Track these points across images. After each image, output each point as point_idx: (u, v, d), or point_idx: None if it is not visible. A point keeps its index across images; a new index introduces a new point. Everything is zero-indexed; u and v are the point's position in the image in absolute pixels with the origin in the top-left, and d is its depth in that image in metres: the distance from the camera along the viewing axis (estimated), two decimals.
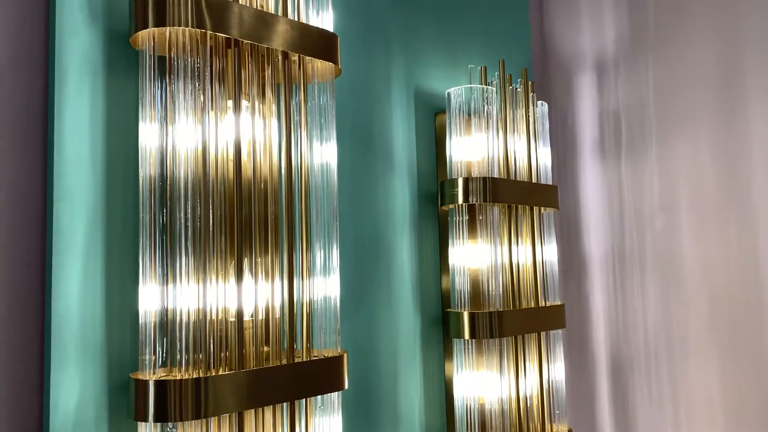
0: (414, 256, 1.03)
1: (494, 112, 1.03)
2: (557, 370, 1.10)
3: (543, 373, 1.06)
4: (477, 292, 1.01)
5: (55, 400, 0.64)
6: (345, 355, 0.77)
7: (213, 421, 0.66)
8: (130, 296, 0.70)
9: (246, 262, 0.70)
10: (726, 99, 1.13)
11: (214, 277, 0.67)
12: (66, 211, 0.67)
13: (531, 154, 1.09)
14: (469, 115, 1.03)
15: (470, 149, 1.03)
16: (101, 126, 0.70)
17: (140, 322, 0.67)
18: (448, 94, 1.04)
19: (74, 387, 0.66)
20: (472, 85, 1.03)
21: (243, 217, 0.70)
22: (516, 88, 1.08)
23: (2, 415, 0.65)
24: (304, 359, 0.73)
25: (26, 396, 0.66)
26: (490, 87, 1.04)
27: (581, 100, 1.34)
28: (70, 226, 0.67)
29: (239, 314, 0.69)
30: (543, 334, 1.07)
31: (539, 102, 1.13)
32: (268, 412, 0.70)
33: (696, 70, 1.17)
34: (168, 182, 0.67)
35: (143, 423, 0.65)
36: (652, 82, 1.23)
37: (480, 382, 0.99)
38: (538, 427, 1.04)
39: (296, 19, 0.77)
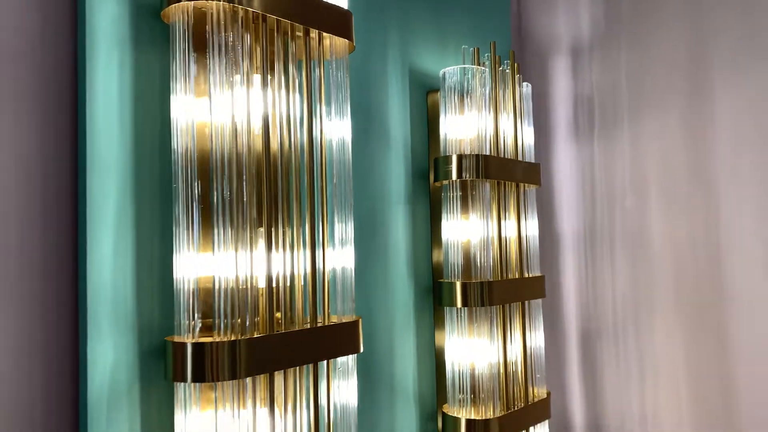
0: (408, 230, 1.07)
1: (486, 92, 1.08)
2: (538, 338, 1.17)
3: (526, 339, 1.13)
4: (468, 264, 1.07)
5: (92, 366, 0.66)
6: (360, 320, 0.82)
7: (248, 381, 0.69)
8: (159, 265, 0.72)
9: (273, 232, 0.73)
10: (694, 83, 1.22)
11: (247, 246, 0.70)
12: (97, 181, 0.68)
13: (517, 133, 1.15)
14: (462, 94, 1.08)
15: (463, 128, 1.08)
16: (129, 98, 0.71)
17: (176, 288, 0.69)
18: (443, 73, 1.09)
19: (108, 352, 0.68)
20: (466, 66, 1.08)
21: (271, 190, 0.73)
22: (504, 70, 1.14)
23: (40, 383, 0.66)
24: (326, 324, 0.77)
25: (63, 363, 0.68)
26: (482, 68, 1.09)
27: (557, 82, 1.41)
28: (102, 196, 0.68)
29: (269, 281, 0.72)
30: (526, 303, 1.14)
31: (524, 83, 1.19)
32: (294, 373, 0.74)
33: (666, 55, 1.25)
34: (202, 154, 0.69)
35: (181, 383, 0.68)
36: (625, 67, 1.31)
37: (471, 348, 1.05)
38: (522, 390, 1.12)
39: None
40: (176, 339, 0.68)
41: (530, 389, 1.13)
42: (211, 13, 0.69)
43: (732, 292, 1.16)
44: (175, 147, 0.70)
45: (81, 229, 0.68)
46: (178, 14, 0.69)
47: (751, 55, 1.15)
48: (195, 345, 0.66)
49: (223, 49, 0.69)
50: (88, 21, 0.68)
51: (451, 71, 1.08)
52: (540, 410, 1.13)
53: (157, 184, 0.73)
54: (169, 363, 0.68)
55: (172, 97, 0.71)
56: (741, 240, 1.15)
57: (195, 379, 0.66)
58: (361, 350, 0.82)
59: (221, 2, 0.69)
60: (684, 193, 1.22)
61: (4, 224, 0.65)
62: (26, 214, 0.66)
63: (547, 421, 1.17)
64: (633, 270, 1.28)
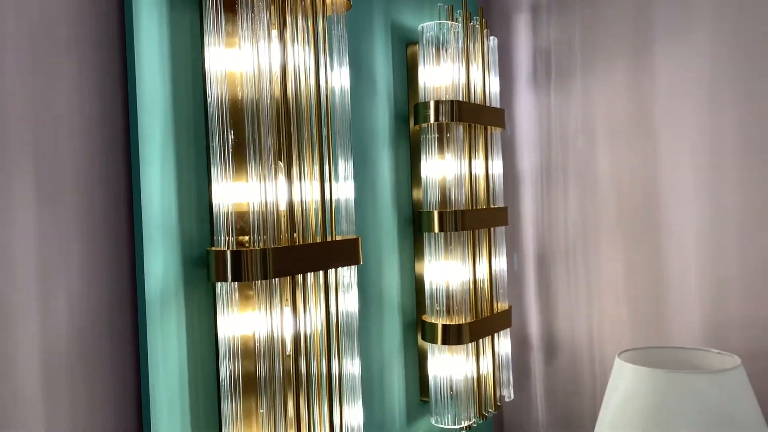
0: (392, 168, 1.24)
1: (459, 45, 1.24)
2: (502, 260, 1.36)
3: (492, 262, 1.32)
4: (444, 197, 1.24)
5: (148, 273, 0.82)
6: (359, 239, 0.99)
7: (276, 283, 0.86)
8: (196, 192, 0.87)
9: (292, 168, 0.89)
10: (637, 40, 1.39)
11: (271, 177, 0.85)
12: (145, 123, 0.82)
13: (485, 82, 1.31)
14: (438, 47, 1.23)
15: (439, 77, 1.24)
16: (168, 49, 0.84)
17: (215, 211, 0.85)
18: (421, 28, 1.24)
19: (159, 261, 0.83)
20: (441, 22, 1.23)
21: (288, 131, 0.88)
22: (474, 25, 1.29)
23: (107, 289, 0.81)
24: (333, 240, 0.94)
25: (123, 272, 0.83)
26: (455, 23, 1.24)
27: (519, 37, 1.57)
28: (150, 135, 0.82)
29: (289, 206, 0.88)
30: (492, 230, 1.33)
31: (491, 37, 1.35)
32: (309, 279, 0.91)
33: (615, 16, 1.42)
34: (233, 99, 0.84)
35: (222, 283, 0.84)
36: (579, 24, 1.47)
37: (446, 268, 1.24)
38: (488, 304, 1.31)
39: None
40: (217, 249, 0.84)
41: (494, 303, 1.33)
42: None
43: (665, 218, 1.37)
44: (210, 92, 0.84)
45: (134, 162, 0.82)
46: None
47: (687, 17, 1.33)
48: (234, 252, 0.82)
49: (250, 6, 0.83)
50: None
51: (428, 26, 1.23)
52: (503, 320, 1.33)
53: (192, 125, 0.87)
54: (212, 268, 0.84)
55: (206, 49, 0.85)
56: (674, 174, 1.36)
57: (234, 279, 0.83)
58: (361, 262, 0.99)
59: None
60: (627, 135, 1.41)
61: (73, 160, 0.79)
62: (89, 151, 0.80)
63: (508, 330, 1.37)
64: (582, 201, 1.48)
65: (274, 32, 0.87)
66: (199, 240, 0.87)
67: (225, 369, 0.86)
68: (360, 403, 1.01)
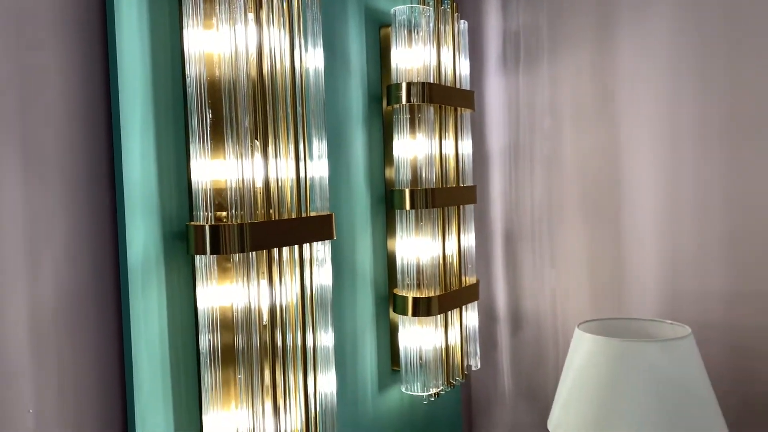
0: (365, 147, 1.28)
1: (430, 28, 1.28)
2: (470, 237, 1.42)
3: (461, 238, 1.38)
4: (416, 176, 1.29)
5: (130, 245, 0.85)
6: (333, 215, 1.03)
7: (253, 257, 0.90)
8: (175, 168, 0.90)
9: (269, 146, 0.92)
10: (601, 26, 1.45)
11: (247, 155, 0.89)
12: (126, 102, 0.85)
13: (456, 65, 1.36)
14: (410, 30, 1.27)
15: (411, 59, 1.28)
16: (148, 32, 0.87)
17: (194, 188, 0.88)
18: (394, 11, 1.27)
19: (140, 234, 0.87)
20: (413, 5, 1.27)
21: (264, 110, 0.92)
22: (445, 9, 1.33)
23: (89, 261, 0.85)
24: (308, 215, 0.99)
25: (106, 244, 0.86)
26: (426, 7, 1.28)
27: (490, 21, 1.61)
28: (131, 113, 0.85)
29: (265, 183, 0.92)
30: (461, 208, 1.38)
31: (462, 21, 1.39)
32: (285, 253, 0.95)
33: (580, 2, 1.47)
34: (211, 79, 0.87)
35: (201, 256, 0.88)
36: (546, 9, 1.52)
37: (417, 244, 1.29)
38: (456, 278, 1.37)
39: None
40: (196, 223, 0.88)
41: (463, 277, 1.39)
42: None
43: (625, 197, 1.44)
44: (189, 72, 0.88)
45: (116, 140, 0.85)
46: None
47: (648, 3, 1.39)
48: (212, 227, 0.86)
49: None
50: None
51: (400, 9, 1.27)
52: (471, 293, 1.40)
53: (172, 104, 0.90)
54: (191, 242, 0.88)
55: (185, 31, 0.88)
56: (633, 155, 1.42)
57: (213, 252, 0.87)
58: (335, 237, 1.04)
59: None
60: (590, 117, 1.47)
61: (57, 138, 0.82)
62: (73, 129, 0.83)
63: (476, 302, 1.43)
64: (548, 180, 1.54)
65: (251, 15, 0.91)
66: (179, 215, 0.91)
67: (204, 339, 0.90)
68: (333, 372, 1.06)
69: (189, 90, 0.88)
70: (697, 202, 1.35)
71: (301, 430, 0.99)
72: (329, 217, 1.02)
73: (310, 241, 0.99)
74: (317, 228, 1.00)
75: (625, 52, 1.42)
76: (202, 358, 0.91)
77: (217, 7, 0.87)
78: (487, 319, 1.66)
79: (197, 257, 0.89)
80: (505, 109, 1.59)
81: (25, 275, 0.78)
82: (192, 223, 0.89)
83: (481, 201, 1.64)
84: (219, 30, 0.87)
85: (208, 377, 0.90)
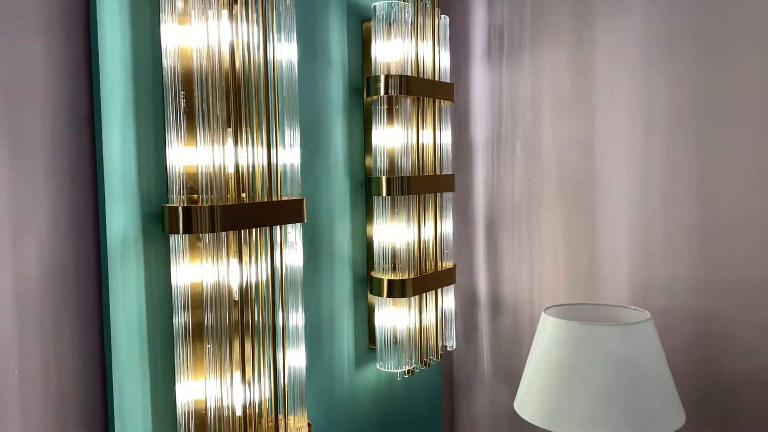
0: (345, 136, 1.34)
1: (408, 23, 1.33)
2: (448, 224, 1.48)
3: (437, 224, 1.44)
4: (392, 164, 1.35)
5: (110, 224, 0.93)
6: (304, 200, 1.10)
7: (223, 237, 0.97)
8: (153, 154, 0.97)
9: (239, 135, 0.99)
10: (580, 21, 1.49)
11: (219, 143, 0.96)
12: (107, 92, 0.92)
13: (435, 58, 1.41)
14: (390, 24, 1.33)
15: (390, 52, 1.33)
16: (128, 26, 0.94)
17: (169, 172, 0.95)
18: (374, 7, 1.33)
19: (120, 214, 0.94)
20: (392, 1, 1.32)
21: (236, 100, 0.98)
22: (426, 4, 1.38)
23: (73, 240, 0.92)
24: (279, 200, 1.05)
25: (87, 223, 0.94)
26: (406, 2, 1.33)
27: (475, 15, 1.66)
28: (111, 102, 0.92)
29: (237, 168, 0.98)
30: (439, 195, 1.44)
31: (443, 16, 1.44)
32: (257, 233, 1.02)
33: None
34: (186, 71, 0.94)
35: (174, 235, 0.95)
36: (529, 4, 1.56)
37: (392, 230, 1.35)
38: (433, 263, 1.43)
39: None
40: (170, 205, 0.95)
41: (439, 262, 1.45)
42: None
43: (599, 186, 1.48)
44: (165, 65, 0.94)
45: (97, 127, 0.92)
46: None
47: (622, 3, 1.43)
48: (185, 208, 0.94)
49: None
50: None
51: (380, 5, 1.32)
52: (447, 277, 1.46)
53: (151, 94, 0.97)
54: (166, 221, 0.95)
55: (162, 26, 0.94)
56: (607, 145, 1.47)
57: (185, 231, 0.94)
58: (305, 221, 1.11)
59: None
60: (568, 108, 1.52)
61: (41, 124, 0.89)
62: (56, 117, 0.90)
63: (453, 286, 1.50)
64: (527, 169, 1.59)
65: (225, 11, 0.97)
66: (156, 197, 0.98)
67: (177, 314, 0.97)
68: (302, 347, 1.13)
69: (165, 81, 0.94)
70: (667, 195, 1.39)
71: (270, 399, 1.06)
72: (300, 201, 1.09)
73: (281, 224, 1.05)
74: (288, 212, 1.06)
75: (600, 47, 1.46)
76: (175, 331, 0.98)
77: (191, 3, 0.93)
78: (469, 303, 1.72)
79: (171, 236, 0.97)
80: (490, 100, 1.64)
81: (10, 251, 0.86)
82: (167, 204, 0.96)
83: (465, 189, 1.70)
84: (192, 25, 0.94)
85: (180, 349, 0.97)
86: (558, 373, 1.21)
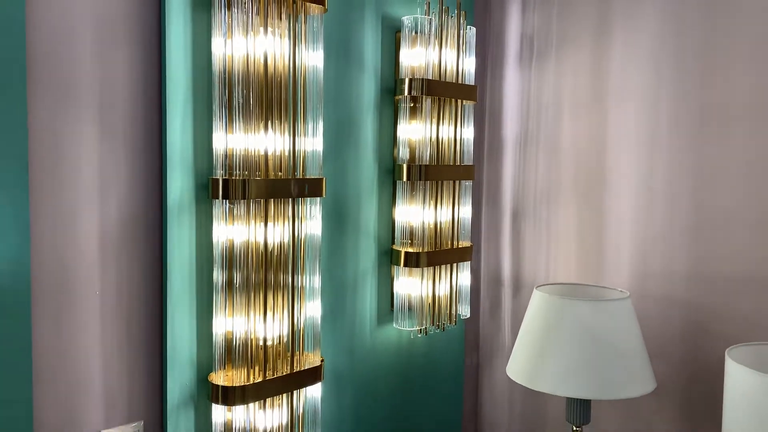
0: (376, 130, 1.59)
1: (432, 33, 1.56)
2: (465, 208, 1.69)
3: (455, 208, 1.65)
4: (413, 154, 1.58)
5: (170, 188, 1.23)
6: (324, 179, 1.36)
7: (252, 203, 1.25)
8: (205, 137, 1.27)
9: (270, 125, 1.27)
10: (599, 30, 1.64)
11: (253, 132, 1.24)
12: (172, 90, 1.22)
13: (459, 63, 1.62)
14: (415, 34, 1.56)
15: (414, 58, 1.56)
16: (190, 39, 1.24)
17: (214, 154, 1.25)
18: (403, 20, 1.56)
19: (178, 182, 1.24)
20: (417, 16, 1.55)
21: (268, 97, 1.26)
22: (452, 17, 1.60)
23: (143, 200, 1.24)
24: (301, 177, 1.32)
25: (152, 185, 1.25)
26: (430, 17, 1.56)
27: (510, 23, 1.85)
28: (175, 98, 1.23)
29: (266, 153, 1.26)
30: (457, 183, 1.65)
31: (469, 27, 1.65)
32: (284, 204, 1.29)
33: (582, 8, 1.67)
34: (230, 74, 1.23)
35: (216, 200, 1.24)
36: (555, 14, 1.73)
37: (410, 210, 1.59)
38: (449, 242, 1.65)
39: None
40: (214, 177, 1.24)
41: (455, 241, 1.67)
42: None
43: (608, 182, 1.63)
44: (214, 69, 1.24)
45: (163, 115, 1.23)
46: None
47: (639, 11, 1.57)
48: (224, 179, 1.22)
49: (242, 8, 1.21)
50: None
51: (408, 18, 1.56)
52: (462, 254, 1.67)
53: (203, 92, 1.27)
54: (210, 189, 1.25)
55: (212, 40, 1.24)
56: (617, 146, 1.61)
57: (224, 198, 1.23)
58: (324, 196, 1.37)
59: None
60: (585, 109, 1.68)
61: (123, 112, 1.21)
62: (134, 107, 1.22)
63: (468, 262, 1.70)
64: (548, 164, 1.76)
65: (261, 28, 1.25)
66: (206, 170, 1.28)
67: (216, 264, 1.27)
68: (318, 302, 1.40)
69: (213, 82, 1.24)
70: (667, 193, 1.53)
71: (288, 334, 1.33)
72: (320, 180, 1.35)
73: (302, 197, 1.32)
74: (309, 187, 1.33)
75: (617, 51, 1.61)
76: (214, 276, 1.28)
77: (234, 22, 1.22)
78: (494, 282, 1.91)
79: (214, 202, 1.26)
80: (519, 101, 1.83)
81: (97, 204, 1.19)
82: (212, 177, 1.26)
83: (495, 181, 1.89)
84: (234, 39, 1.22)
85: (218, 290, 1.27)
86: (539, 340, 1.40)
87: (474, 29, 1.66)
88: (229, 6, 1.22)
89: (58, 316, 1.16)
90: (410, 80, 1.54)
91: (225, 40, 1.23)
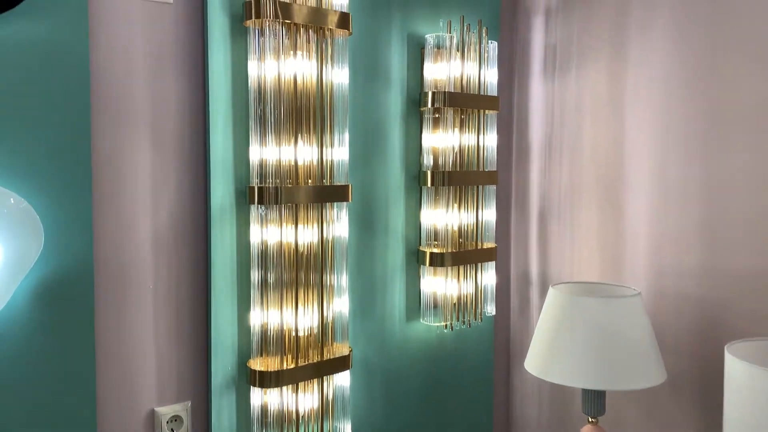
0: (403, 139, 1.72)
1: (453, 49, 1.67)
2: (489, 212, 1.79)
3: (478, 211, 1.76)
4: (436, 161, 1.70)
5: (214, 194, 1.40)
6: (350, 185, 1.50)
7: (284, 208, 1.40)
8: (243, 147, 1.43)
9: (299, 137, 1.42)
10: (616, 43, 1.72)
11: (285, 144, 1.39)
12: (215, 106, 1.39)
13: (480, 76, 1.73)
14: (438, 50, 1.68)
15: (436, 72, 1.68)
16: (230, 63, 1.40)
17: (250, 164, 1.41)
18: (426, 38, 1.69)
19: (220, 189, 1.41)
20: (439, 34, 1.67)
21: (298, 113, 1.41)
22: (474, 32, 1.71)
23: (189, 204, 1.41)
24: (328, 185, 1.46)
25: (197, 192, 1.42)
26: (452, 34, 1.67)
27: (535, 35, 1.94)
28: (217, 113, 1.39)
29: (296, 163, 1.41)
30: (480, 188, 1.76)
31: (491, 42, 1.76)
32: (313, 209, 1.44)
33: (601, 22, 1.75)
34: (264, 92, 1.39)
35: (252, 205, 1.40)
36: (576, 27, 1.82)
37: (434, 214, 1.70)
38: (473, 243, 1.76)
39: (325, 6, 1.44)
40: (251, 185, 1.40)
41: (479, 242, 1.77)
42: (266, 21, 1.36)
43: (625, 185, 1.71)
44: (250, 88, 1.40)
45: (207, 130, 1.40)
46: (251, 23, 1.37)
47: (652, 27, 1.64)
48: (259, 187, 1.38)
49: (273, 34, 1.37)
50: (209, 24, 1.38)
51: (431, 36, 1.68)
52: (486, 254, 1.77)
53: (244, 109, 1.43)
54: (248, 195, 1.41)
55: (249, 63, 1.40)
56: (634, 150, 1.69)
57: (259, 203, 1.38)
58: (350, 201, 1.51)
59: (268, 19, 1.35)
60: (604, 116, 1.76)
61: (172, 126, 1.38)
62: (181, 122, 1.39)
63: (493, 262, 1.81)
64: (571, 169, 1.85)
65: (291, 51, 1.40)
66: (245, 179, 1.44)
67: (253, 262, 1.42)
68: (346, 298, 1.53)
69: (249, 100, 1.40)
70: (680, 193, 1.59)
71: (318, 326, 1.48)
72: (345, 186, 1.49)
73: (330, 201, 1.46)
74: (335, 193, 1.47)
75: (633, 63, 1.68)
76: (252, 274, 1.43)
77: (267, 48, 1.38)
78: (523, 281, 2.00)
79: (251, 207, 1.42)
80: (543, 109, 1.92)
81: (150, 208, 1.36)
82: (249, 185, 1.41)
83: (523, 185, 1.99)
84: (266, 62, 1.38)
85: (254, 286, 1.42)
86: (551, 334, 1.49)
87: (495, 43, 1.77)
88: (262, 33, 1.38)
89: (117, 307, 1.34)
90: (433, 93, 1.66)
91: (259, 63, 1.39)
